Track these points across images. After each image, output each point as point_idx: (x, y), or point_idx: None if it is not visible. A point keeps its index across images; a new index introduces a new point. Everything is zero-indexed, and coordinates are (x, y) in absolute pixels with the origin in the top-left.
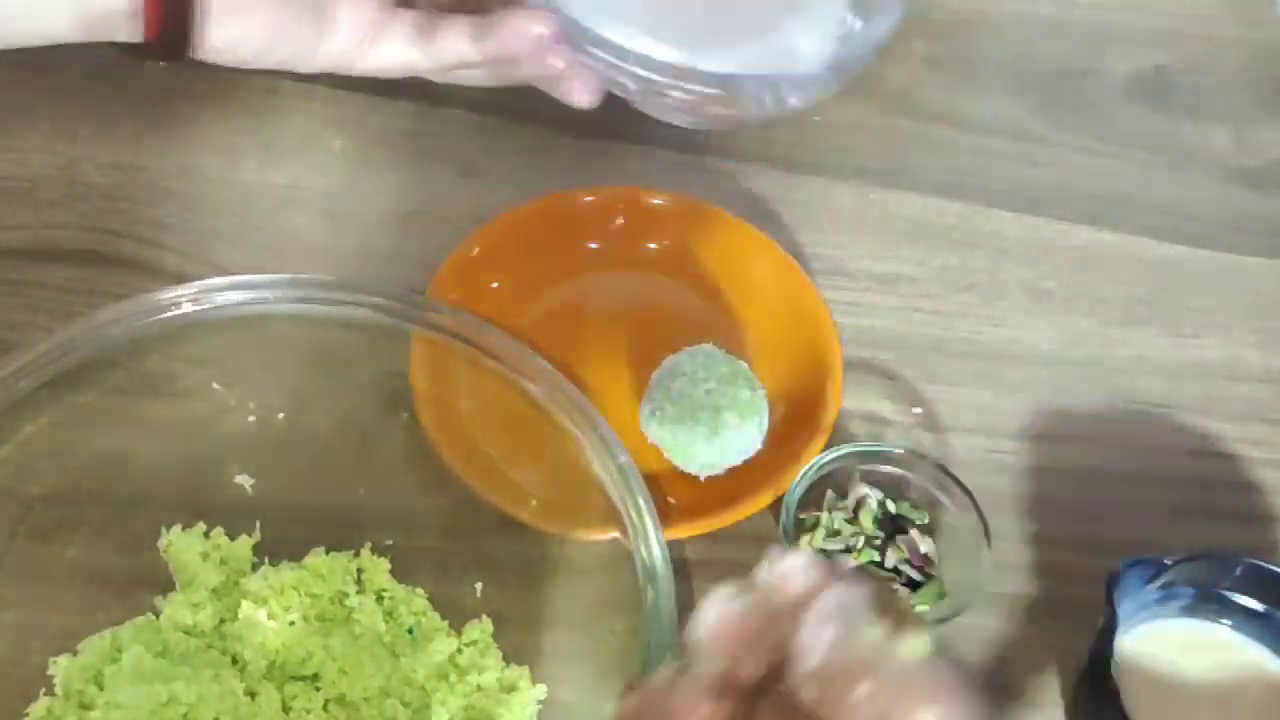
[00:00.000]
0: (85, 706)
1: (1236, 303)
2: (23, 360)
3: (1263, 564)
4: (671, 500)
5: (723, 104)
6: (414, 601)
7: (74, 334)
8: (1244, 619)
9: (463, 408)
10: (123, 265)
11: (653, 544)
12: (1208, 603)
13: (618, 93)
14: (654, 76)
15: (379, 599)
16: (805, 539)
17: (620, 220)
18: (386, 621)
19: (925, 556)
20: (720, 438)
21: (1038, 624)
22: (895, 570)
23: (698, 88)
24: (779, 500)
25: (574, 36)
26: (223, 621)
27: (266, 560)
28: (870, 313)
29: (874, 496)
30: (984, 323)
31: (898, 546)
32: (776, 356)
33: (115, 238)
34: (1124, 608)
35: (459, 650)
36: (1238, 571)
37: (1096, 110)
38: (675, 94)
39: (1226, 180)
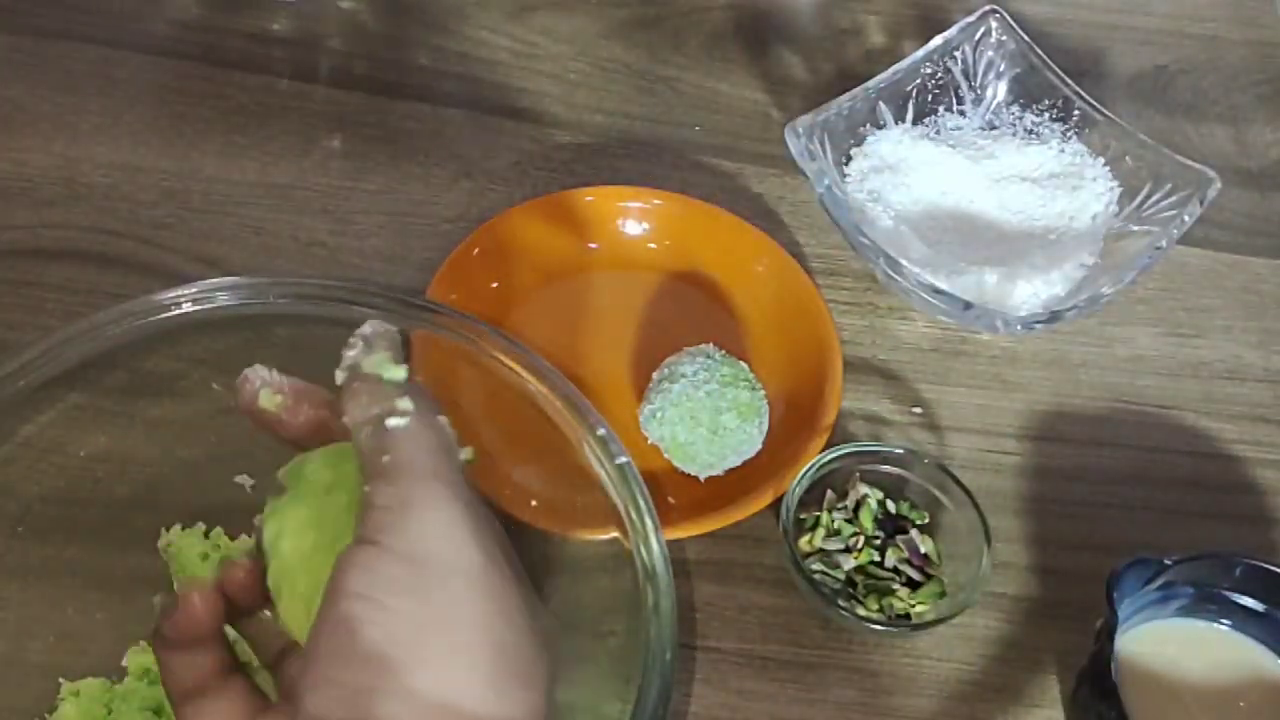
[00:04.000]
0: None
1: (1236, 303)
2: (23, 360)
3: (1263, 564)
4: (671, 500)
5: (955, 318)
6: None
7: (74, 334)
8: (1244, 619)
9: (463, 408)
10: (123, 265)
11: (653, 544)
12: (1207, 603)
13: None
14: (911, 288)
15: None
16: (805, 539)
17: (620, 220)
18: None
19: (925, 556)
20: (720, 438)
21: (1038, 624)
22: (895, 570)
23: (940, 304)
24: (779, 500)
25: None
26: None
27: None
28: (870, 313)
29: (874, 496)
30: None
31: (898, 546)
32: (776, 357)
33: (115, 238)
34: (1124, 608)
35: None
36: (1238, 571)
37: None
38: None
39: (1226, 180)
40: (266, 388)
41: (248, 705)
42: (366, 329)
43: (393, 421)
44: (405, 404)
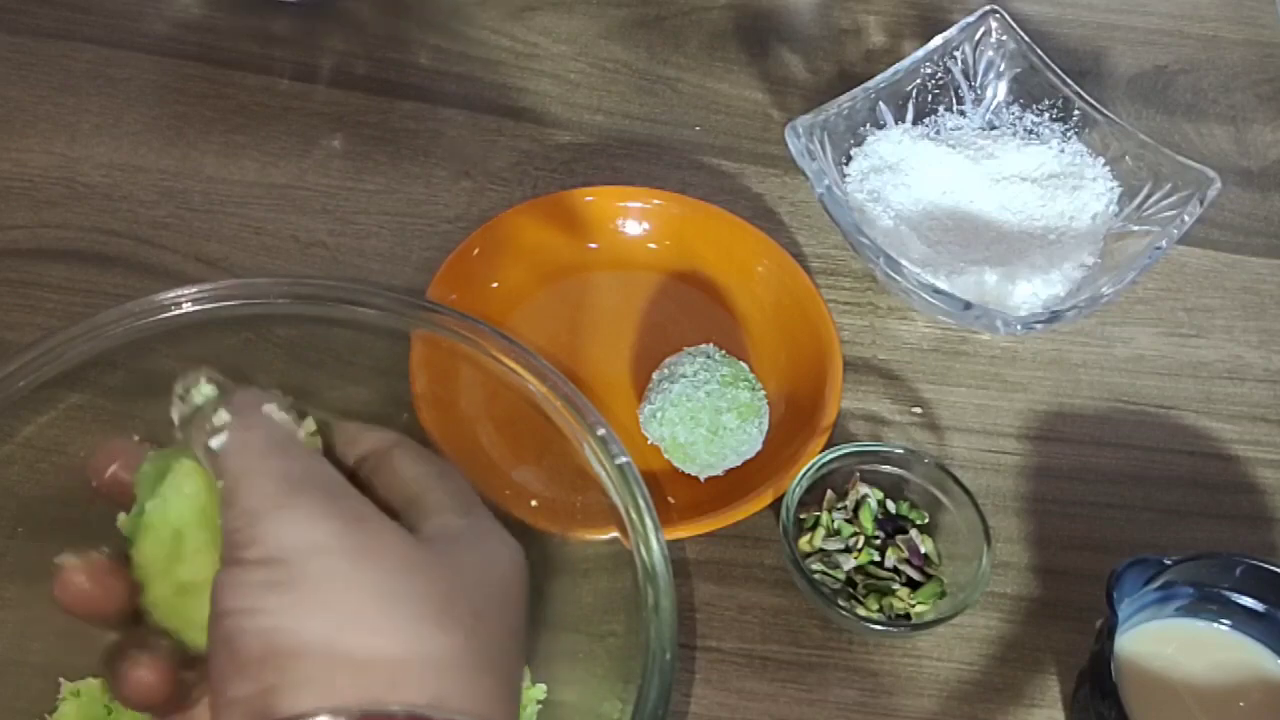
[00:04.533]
0: None
1: (1236, 303)
2: (23, 360)
3: (1263, 564)
4: (671, 500)
5: (955, 318)
6: None
7: (74, 334)
8: (1244, 619)
9: (463, 408)
10: (123, 265)
11: (653, 544)
12: (1207, 603)
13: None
14: (911, 289)
15: None
16: (805, 539)
17: (620, 220)
18: None
19: (925, 556)
20: (720, 438)
21: (1038, 624)
22: (895, 570)
23: (940, 304)
24: (779, 500)
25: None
26: None
27: None
28: (870, 313)
29: (874, 496)
30: None
31: (898, 546)
32: (776, 356)
33: (115, 238)
34: (1124, 608)
35: None
36: (1238, 571)
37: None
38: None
39: (1226, 180)
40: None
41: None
42: (178, 385)
43: (215, 442)
44: (220, 417)
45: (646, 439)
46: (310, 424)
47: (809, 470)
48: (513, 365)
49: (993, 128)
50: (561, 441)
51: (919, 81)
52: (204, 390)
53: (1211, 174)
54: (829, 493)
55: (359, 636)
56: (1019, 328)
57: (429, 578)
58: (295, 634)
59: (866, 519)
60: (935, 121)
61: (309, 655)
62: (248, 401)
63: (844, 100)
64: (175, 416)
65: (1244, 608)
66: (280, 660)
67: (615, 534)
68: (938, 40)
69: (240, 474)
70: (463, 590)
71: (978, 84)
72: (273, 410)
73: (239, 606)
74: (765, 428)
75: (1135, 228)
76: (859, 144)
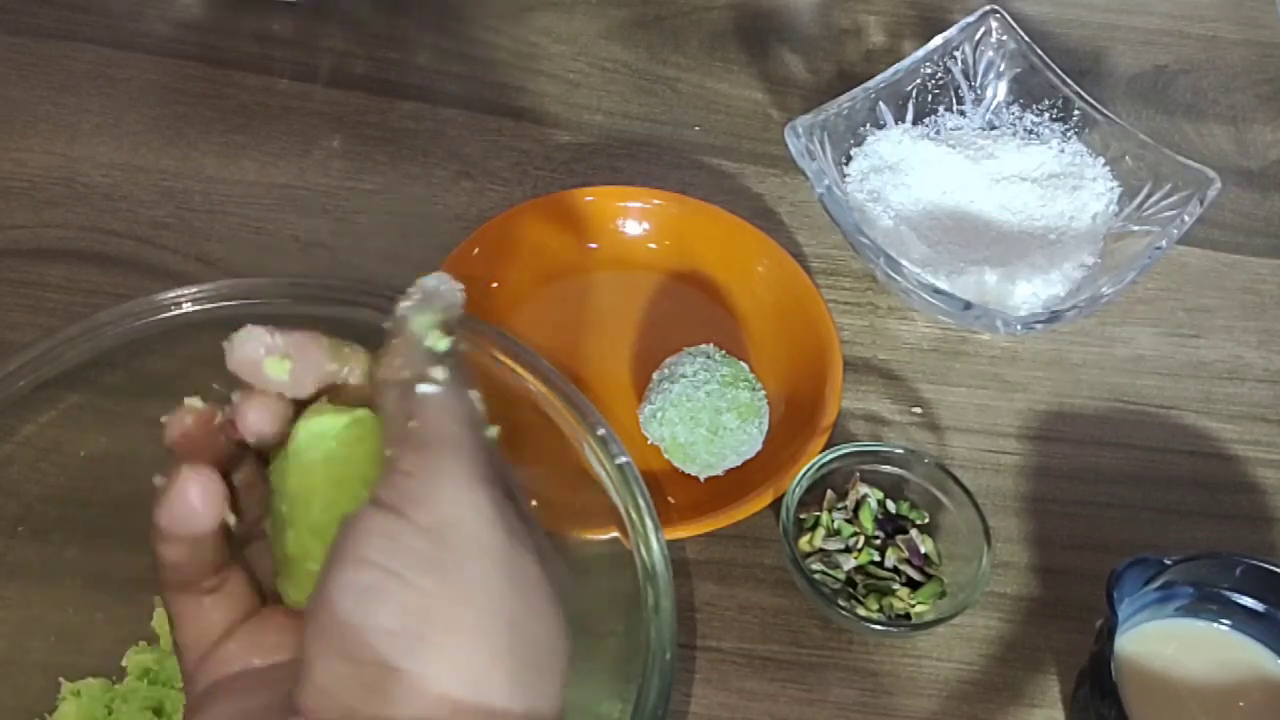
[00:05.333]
0: None
1: (1236, 303)
2: (23, 360)
3: (1263, 564)
4: (671, 500)
5: (954, 318)
6: None
7: (74, 334)
8: (1244, 619)
9: None
10: (123, 265)
11: (653, 544)
12: (1207, 603)
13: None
14: (911, 289)
15: None
16: (805, 539)
17: (620, 220)
18: None
19: (925, 556)
20: (720, 438)
21: (1038, 624)
22: (895, 570)
23: (939, 303)
24: (779, 500)
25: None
26: None
27: None
28: (870, 313)
29: (874, 496)
30: None
31: (898, 546)
32: (776, 356)
33: (115, 238)
34: (1124, 608)
35: None
36: (1238, 571)
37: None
38: (923, 298)
39: (1226, 180)
40: (272, 355)
41: (246, 603)
42: (430, 281)
43: (423, 388)
44: (439, 372)
45: (646, 439)
46: (494, 430)
47: (809, 470)
48: (513, 365)
49: (993, 128)
50: (561, 441)
51: (919, 81)
52: (434, 337)
53: (1211, 174)
54: (829, 493)
55: (486, 675)
56: (1019, 328)
57: (550, 620)
58: (434, 632)
59: (866, 519)
60: (935, 121)
61: (437, 662)
62: (463, 375)
63: (844, 100)
64: (398, 314)
65: (1244, 608)
66: (411, 650)
67: (615, 534)
68: (938, 40)
69: (436, 428)
70: (560, 642)
71: (978, 84)
72: (477, 398)
73: (388, 565)
74: (765, 428)
75: (1135, 228)
76: (859, 144)
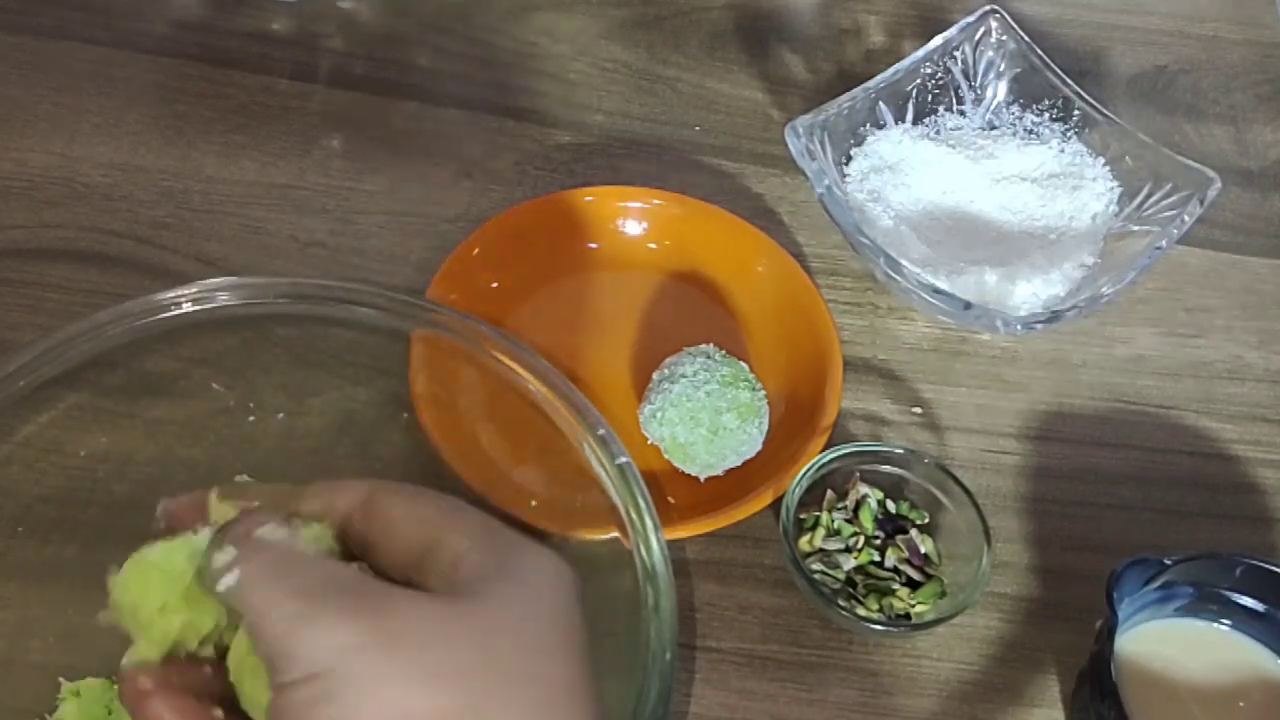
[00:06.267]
0: None
1: (1236, 303)
2: (23, 360)
3: (1263, 564)
4: (671, 500)
5: (954, 318)
6: None
7: (74, 334)
8: (1244, 619)
9: (463, 408)
10: (123, 265)
11: (653, 544)
12: (1207, 603)
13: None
14: (911, 289)
15: None
16: (805, 539)
17: (620, 220)
18: None
19: (925, 556)
20: (720, 438)
21: (1038, 624)
22: (895, 570)
23: (939, 303)
24: (779, 500)
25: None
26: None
27: None
28: (870, 313)
29: (874, 496)
30: None
31: (898, 546)
32: (776, 356)
33: (115, 238)
34: (1124, 608)
35: None
36: (1238, 571)
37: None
38: (923, 298)
39: (1226, 180)
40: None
41: None
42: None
43: (223, 584)
44: (221, 557)
45: (646, 439)
46: (314, 530)
47: (809, 470)
48: (513, 365)
49: (993, 128)
50: (561, 441)
51: (919, 81)
52: (202, 535)
53: (1211, 174)
54: (829, 493)
55: (418, 706)
56: (1019, 328)
57: (473, 639)
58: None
59: (866, 519)
60: (935, 121)
61: None
62: (242, 533)
63: (844, 100)
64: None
65: (1244, 608)
66: None
67: (615, 534)
68: (938, 40)
69: (257, 607)
70: (514, 636)
71: (978, 84)
72: (267, 532)
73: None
74: (765, 428)
75: (1135, 228)
76: (859, 144)
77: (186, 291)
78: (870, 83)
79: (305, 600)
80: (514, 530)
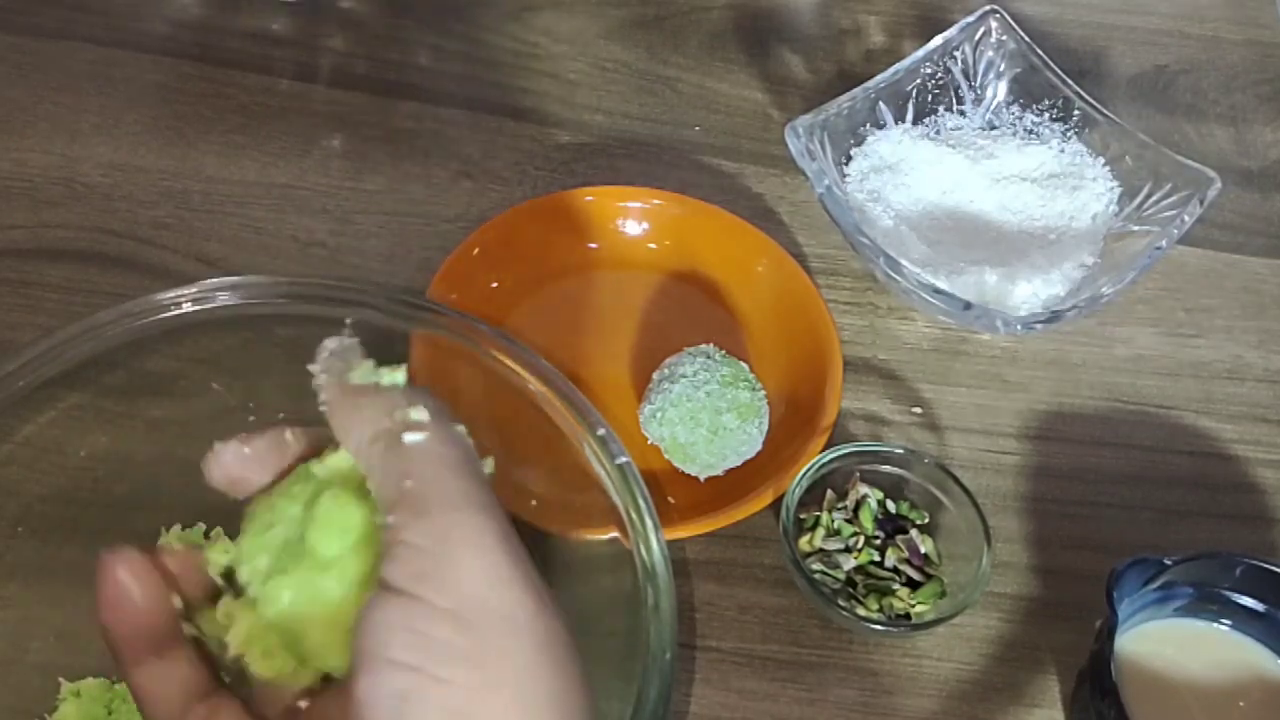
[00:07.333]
0: None
1: (1236, 303)
2: (23, 360)
3: (1263, 564)
4: (671, 500)
5: (954, 318)
6: None
7: (74, 334)
8: (1244, 619)
9: (463, 408)
10: (123, 265)
11: (653, 544)
12: (1207, 603)
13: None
14: (911, 289)
15: None
16: (805, 539)
17: (620, 220)
18: None
19: (925, 556)
20: (720, 438)
21: (1038, 624)
22: (895, 570)
23: (939, 303)
24: (779, 500)
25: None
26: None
27: None
28: (870, 313)
29: (874, 496)
30: None
31: (898, 546)
32: (776, 356)
33: (115, 238)
34: (1124, 608)
35: None
36: (1238, 571)
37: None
38: (922, 297)
39: (1226, 180)
40: (248, 465)
41: (200, 678)
42: (332, 343)
43: (410, 437)
44: (419, 414)
45: (646, 439)
46: (489, 464)
47: (809, 470)
48: (513, 365)
49: (993, 128)
50: (561, 441)
51: (919, 81)
52: (388, 374)
53: (1211, 174)
54: (829, 493)
55: None
56: (1019, 328)
57: (579, 678)
58: None
59: (866, 519)
60: (935, 121)
61: None
62: (442, 409)
63: (844, 100)
64: (326, 378)
65: (1244, 608)
66: None
67: (615, 534)
68: (938, 40)
69: (437, 485)
70: (587, 698)
71: (978, 84)
72: (464, 432)
73: (422, 665)
74: (765, 428)
75: (1135, 228)
76: (859, 144)
77: (186, 291)
78: (870, 83)
79: (489, 531)
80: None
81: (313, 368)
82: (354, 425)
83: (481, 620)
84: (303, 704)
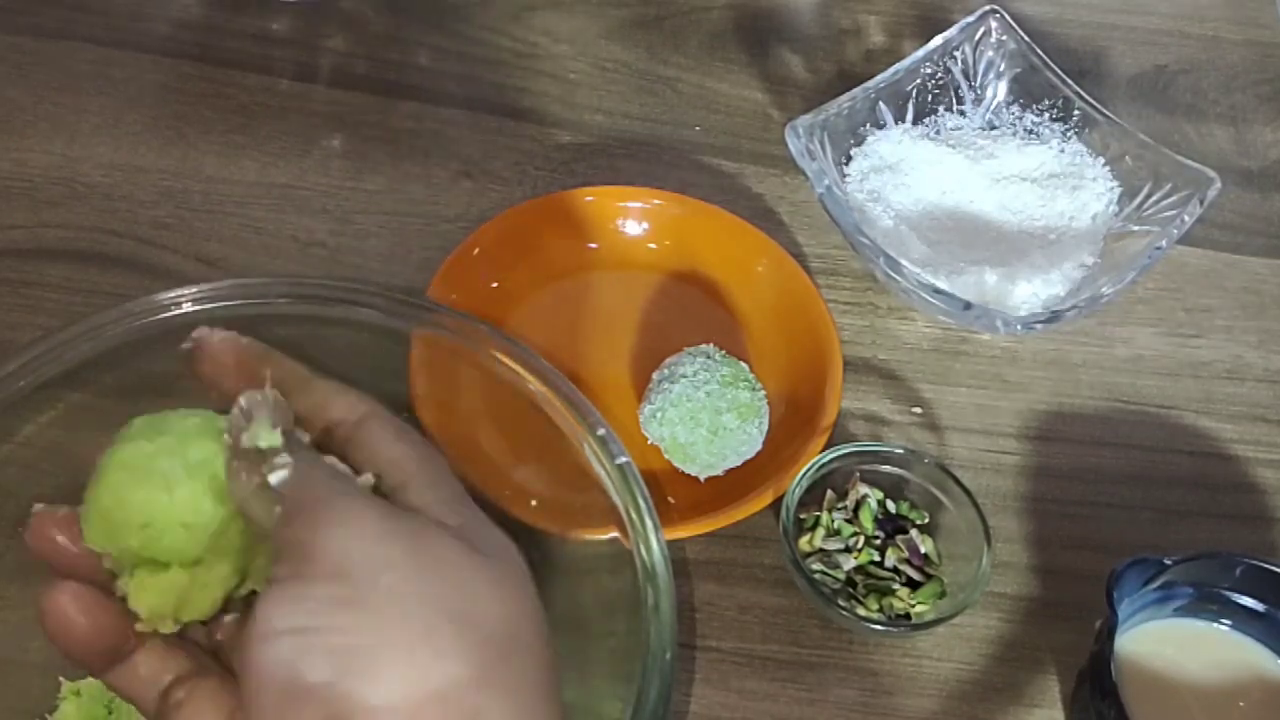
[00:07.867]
0: None
1: (1236, 303)
2: (23, 360)
3: (1263, 564)
4: (671, 500)
5: (954, 318)
6: None
7: (74, 334)
8: (1244, 619)
9: (463, 408)
10: (123, 265)
11: (653, 544)
12: (1207, 603)
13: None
14: (911, 289)
15: None
16: (805, 539)
17: (620, 220)
18: None
19: (925, 556)
20: (720, 438)
21: (1038, 624)
22: (895, 570)
23: (939, 303)
24: (779, 500)
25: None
26: None
27: None
28: (870, 313)
29: (874, 496)
30: None
31: (898, 546)
32: (776, 356)
33: (115, 238)
34: (1124, 608)
35: None
36: (1238, 571)
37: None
38: (923, 298)
39: (1226, 180)
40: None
41: (227, 702)
42: (243, 401)
43: (275, 477)
44: (282, 458)
45: (646, 439)
46: (368, 479)
47: (809, 470)
48: (513, 365)
49: (993, 128)
50: (561, 441)
51: (919, 81)
52: (265, 437)
53: (1211, 174)
54: (829, 493)
55: (438, 663)
56: (1019, 328)
57: (490, 594)
58: (373, 661)
59: (866, 519)
60: (935, 121)
61: (386, 685)
62: (310, 451)
63: (844, 100)
64: (227, 437)
65: (1244, 608)
66: (356, 689)
67: (615, 534)
68: (938, 40)
69: (302, 496)
70: (519, 605)
71: (978, 84)
72: (335, 461)
73: (304, 624)
74: (765, 428)
75: (1135, 228)
76: (859, 144)
77: (186, 291)
78: (870, 83)
79: (351, 505)
80: (473, 500)
81: (220, 423)
82: (235, 489)
83: (357, 570)
84: (228, 617)
